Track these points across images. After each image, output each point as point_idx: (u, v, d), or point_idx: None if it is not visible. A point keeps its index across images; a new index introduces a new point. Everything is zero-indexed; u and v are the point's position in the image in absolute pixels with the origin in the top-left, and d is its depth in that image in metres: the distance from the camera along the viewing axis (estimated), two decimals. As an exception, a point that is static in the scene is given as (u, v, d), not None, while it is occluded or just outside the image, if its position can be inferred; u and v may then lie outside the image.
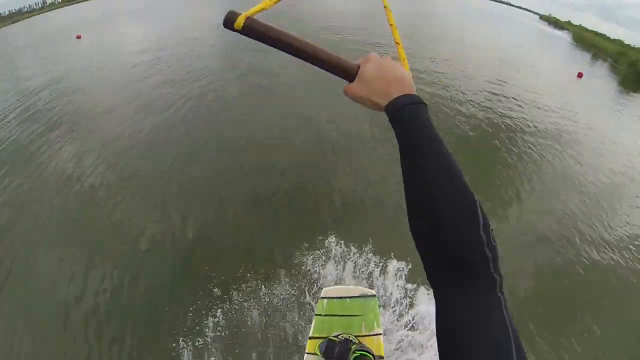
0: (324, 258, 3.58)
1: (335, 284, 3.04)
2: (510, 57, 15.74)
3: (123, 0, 32.16)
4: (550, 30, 42.14)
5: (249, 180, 5.08)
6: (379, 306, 2.48)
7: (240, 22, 0.58)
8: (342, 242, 3.73)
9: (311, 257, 3.58)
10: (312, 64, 0.63)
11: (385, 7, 0.83)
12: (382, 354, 2.06)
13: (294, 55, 0.62)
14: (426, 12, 30.64)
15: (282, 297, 3.09)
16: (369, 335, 2.15)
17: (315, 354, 2.02)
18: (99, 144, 6.19)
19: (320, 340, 2.06)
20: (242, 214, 4.50)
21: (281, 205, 4.63)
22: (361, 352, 1.87)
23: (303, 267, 3.48)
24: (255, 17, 0.60)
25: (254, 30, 0.59)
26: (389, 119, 0.59)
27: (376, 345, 2.08)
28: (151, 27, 18.49)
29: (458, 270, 0.46)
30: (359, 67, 0.64)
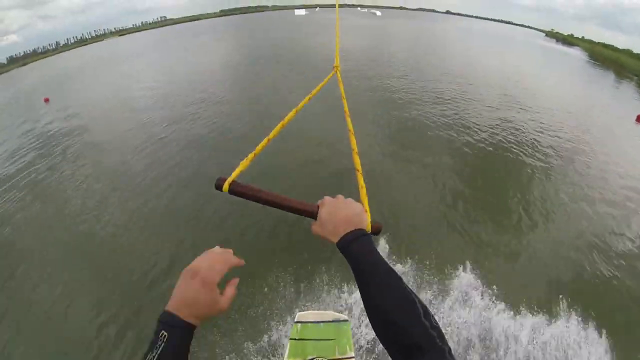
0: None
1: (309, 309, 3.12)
2: (544, 96, 14.15)
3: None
4: (560, 47, 41.75)
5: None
6: (351, 330, 2.55)
7: (226, 187, 0.83)
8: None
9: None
10: (282, 210, 0.83)
11: (350, 131, 1.21)
12: None
13: (269, 205, 0.83)
14: (434, 42, 30.75)
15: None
16: (342, 359, 2.21)
17: None
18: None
19: None
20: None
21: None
22: None
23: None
24: (237, 178, 0.86)
25: (236, 192, 0.84)
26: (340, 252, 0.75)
27: None
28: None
29: (414, 352, 0.59)
30: (318, 207, 0.82)
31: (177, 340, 0.62)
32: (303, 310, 2.77)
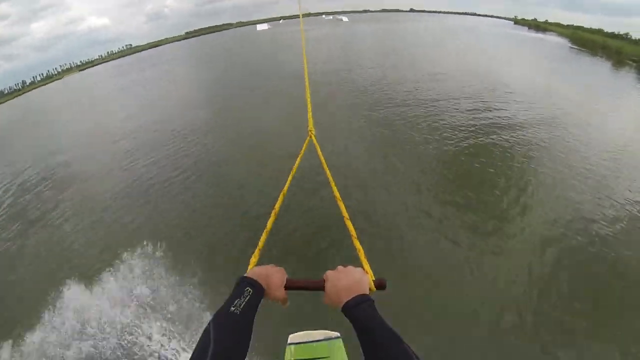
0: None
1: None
2: (560, 105, 11.90)
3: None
4: (533, 35, 40.54)
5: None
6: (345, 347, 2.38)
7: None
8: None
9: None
10: (296, 290, 0.95)
11: (345, 218, 1.19)
12: None
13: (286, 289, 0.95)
14: (408, 46, 28.45)
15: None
16: None
17: None
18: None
19: None
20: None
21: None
22: None
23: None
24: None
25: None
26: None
27: None
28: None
29: None
30: (324, 281, 0.91)
31: (256, 297, 0.85)
32: (293, 332, 2.56)
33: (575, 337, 3.97)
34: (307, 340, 2.44)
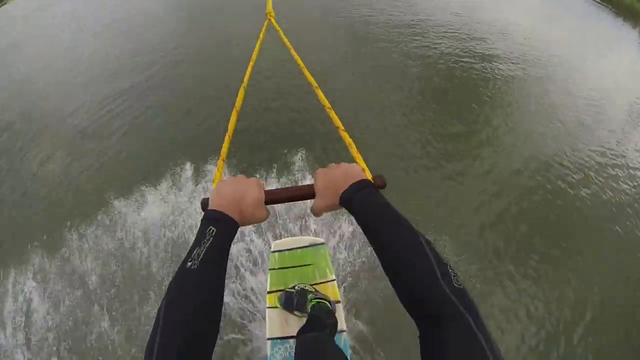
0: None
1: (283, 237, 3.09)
2: None
3: None
4: None
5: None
6: (329, 253, 2.44)
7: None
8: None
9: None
10: (283, 202, 0.81)
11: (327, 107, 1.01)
12: (339, 298, 2.14)
13: (267, 204, 0.77)
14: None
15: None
16: (323, 282, 2.21)
17: (276, 307, 2.07)
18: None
19: (278, 293, 2.10)
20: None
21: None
22: (317, 299, 1.93)
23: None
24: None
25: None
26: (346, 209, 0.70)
27: (331, 291, 2.16)
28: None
29: (432, 321, 0.51)
30: (313, 185, 0.77)
31: (224, 235, 0.64)
32: (278, 239, 2.59)
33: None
34: (291, 247, 2.42)
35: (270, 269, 2.33)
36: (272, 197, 0.78)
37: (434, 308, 0.51)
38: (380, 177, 0.76)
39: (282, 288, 2.13)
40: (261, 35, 1.52)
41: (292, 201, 0.81)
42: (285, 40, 1.48)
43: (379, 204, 0.65)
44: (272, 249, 2.44)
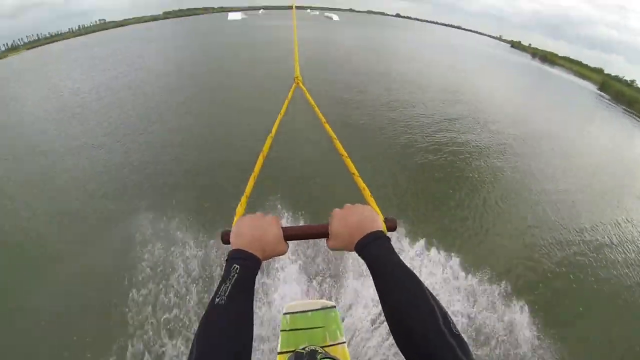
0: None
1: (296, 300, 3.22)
2: None
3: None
4: (538, 65, 37.84)
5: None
6: (340, 316, 2.48)
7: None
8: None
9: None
10: (298, 240, 0.87)
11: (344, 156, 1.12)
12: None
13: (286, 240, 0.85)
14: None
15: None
16: (334, 345, 2.22)
17: None
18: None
19: (289, 354, 2.05)
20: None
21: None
22: (327, 359, 1.87)
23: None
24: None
25: None
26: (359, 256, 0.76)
27: (341, 353, 2.17)
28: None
29: (430, 357, 0.55)
30: (328, 225, 0.83)
31: (248, 271, 0.70)
32: (290, 302, 2.72)
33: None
34: (303, 310, 2.49)
35: (281, 330, 2.38)
36: (290, 234, 0.84)
37: (432, 346, 0.56)
38: (392, 219, 0.84)
39: (292, 349, 2.11)
40: (288, 98, 1.65)
41: (309, 239, 0.87)
42: (310, 99, 1.66)
43: (389, 255, 0.71)
44: (284, 311, 2.50)
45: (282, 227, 0.82)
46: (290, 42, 2.13)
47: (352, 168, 1.04)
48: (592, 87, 30.63)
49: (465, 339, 0.57)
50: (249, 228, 0.77)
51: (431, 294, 0.63)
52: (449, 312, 0.62)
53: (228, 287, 0.64)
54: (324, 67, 17.53)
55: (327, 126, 1.34)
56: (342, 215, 0.80)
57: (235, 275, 0.67)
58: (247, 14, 78.76)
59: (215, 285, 0.66)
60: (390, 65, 21.17)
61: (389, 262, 0.69)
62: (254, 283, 0.70)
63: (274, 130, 1.30)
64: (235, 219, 0.85)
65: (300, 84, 1.80)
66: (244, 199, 0.96)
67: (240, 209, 0.93)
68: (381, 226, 0.79)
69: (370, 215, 0.79)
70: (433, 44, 39.49)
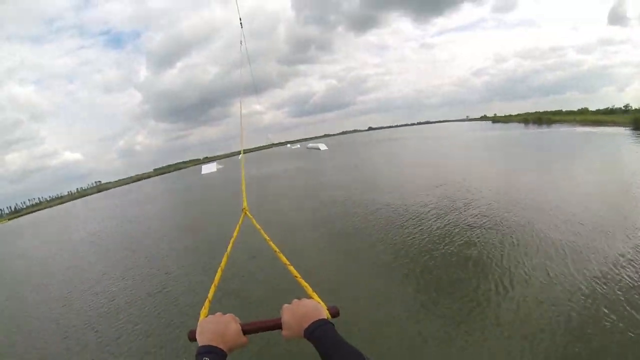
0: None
1: None
2: None
3: None
4: (557, 130, 35.69)
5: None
6: None
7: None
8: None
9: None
10: (256, 333, 0.91)
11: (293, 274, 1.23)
12: None
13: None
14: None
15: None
16: None
17: None
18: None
19: None
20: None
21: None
22: None
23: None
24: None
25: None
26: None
27: None
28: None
29: None
30: (280, 318, 0.88)
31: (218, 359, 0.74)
32: None
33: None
34: None
35: None
36: (248, 328, 0.90)
37: None
38: (334, 307, 0.92)
39: None
40: (238, 225, 1.81)
41: (265, 331, 0.92)
42: (256, 224, 1.85)
43: (333, 337, 0.76)
44: None
45: (240, 323, 0.90)
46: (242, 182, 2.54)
47: (294, 272, 1.18)
48: (619, 129, 27.66)
49: None
50: (211, 325, 0.84)
51: None
52: None
53: None
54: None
55: (271, 244, 1.50)
56: (290, 309, 0.88)
57: None
58: (222, 162, 75.15)
59: None
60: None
61: (334, 343, 0.74)
62: None
63: (229, 249, 1.49)
64: (200, 319, 0.92)
65: (247, 213, 2.01)
66: (206, 303, 1.05)
67: (204, 310, 1.02)
68: (325, 314, 0.86)
69: (313, 306, 0.87)
70: (450, 145, 36.24)
